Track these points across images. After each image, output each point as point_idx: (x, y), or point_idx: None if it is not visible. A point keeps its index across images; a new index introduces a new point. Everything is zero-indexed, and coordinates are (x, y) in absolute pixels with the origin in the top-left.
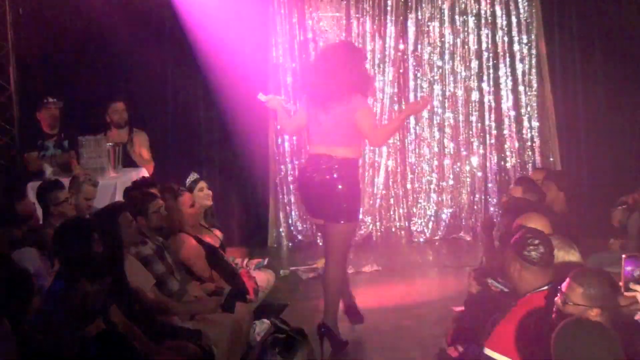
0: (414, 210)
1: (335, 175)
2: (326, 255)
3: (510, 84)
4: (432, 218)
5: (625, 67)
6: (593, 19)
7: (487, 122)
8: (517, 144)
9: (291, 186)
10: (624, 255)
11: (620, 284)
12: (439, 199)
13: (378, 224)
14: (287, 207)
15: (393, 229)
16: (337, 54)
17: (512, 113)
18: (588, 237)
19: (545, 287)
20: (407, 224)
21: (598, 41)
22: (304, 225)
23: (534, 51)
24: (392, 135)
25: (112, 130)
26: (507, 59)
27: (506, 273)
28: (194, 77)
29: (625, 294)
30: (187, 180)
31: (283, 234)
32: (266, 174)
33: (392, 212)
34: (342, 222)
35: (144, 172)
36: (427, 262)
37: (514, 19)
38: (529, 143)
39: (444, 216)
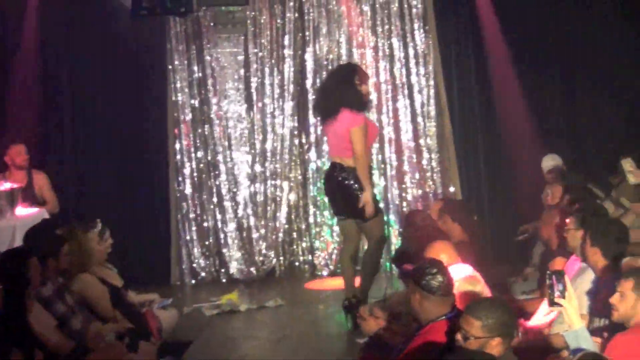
0: (317, 243)
1: (348, 182)
2: (368, 242)
3: (409, 115)
4: (335, 251)
5: (523, 95)
6: (489, 48)
7: (387, 154)
8: (417, 175)
9: (193, 223)
10: (548, 271)
11: (546, 299)
12: None
13: (282, 258)
14: (189, 244)
15: (296, 263)
16: (334, 75)
17: (412, 144)
18: (506, 264)
19: (445, 317)
20: (310, 258)
21: (495, 70)
22: (207, 262)
23: (432, 82)
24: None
25: (11, 171)
26: (406, 91)
27: (408, 303)
28: (90, 116)
29: (550, 308)
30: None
31: (186, 271)
32: (167, 211)
33: (295, 246)
34: (367, 220)
35: (45, 214)
36: (331, 296)
37: (411, 51)
38: (429, 173)
39: None
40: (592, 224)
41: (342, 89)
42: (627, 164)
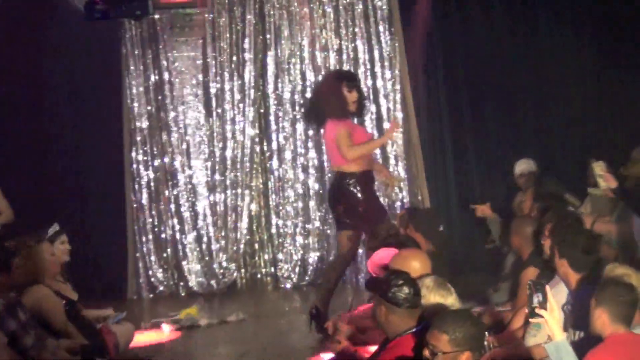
0: (280, 255)
1: (353, 189)
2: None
3: (375, 121)
4: (299, 262)
5: (493, 101)
6: (458, 51)
7: None
8: None
9: (150, 234)
10: (529, 282)
11: (525, 310)
12: (305, 242)
13: (243, 270)
14: (147, 257)
15: (259, 276)
16: (321, 84)
17: (378, 151)
18: (481, 274)
19: (413, 331)
20: (273, 270)
21: (463, 75)
22: (165, 275)
23: (398, 86)
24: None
25: None
26: (371, 96)
27: (374, 317)
28: (46, 126)
29: (531, 320)
30: (50, 230)
31: (143, 284)
32: (123, 222)
33: (257, 258)
34: (341, 230)
35: None
36: (295, 308)
37: (376, 54)
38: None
39: (311, 260)
40: (559, 234)
41: (327, 100)
42: (598, 168)
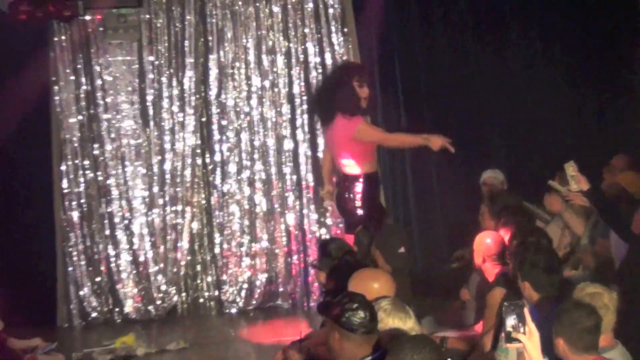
0: (225, 277)
1: (348, 194)
2: None
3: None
4: (245, 285)
5: (456, 110)
6: (418, 53)
7: (303, 174)
8: None
9: (82, 256)
10: (505, 304)
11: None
12: (252, 263)
13: (184, 294)
14: (78, 281)
15: (201, 300)
16: (330, 76)
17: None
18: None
19: (370, 358)
20: (217, 293)
21: (424, 80)
22: (99, 300)
23: None
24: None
25: None
26: None
27: (327, 344)
28: None
29: (507, 345)
30: None
31: (74, 311)
32: (52, 243)
33: (199, 281)
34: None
35: None
36: (241, 335)
37: (328, 57)
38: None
39: (258, 282)
40: (519, 253)
41: (337, 92)
42: (570, 168)
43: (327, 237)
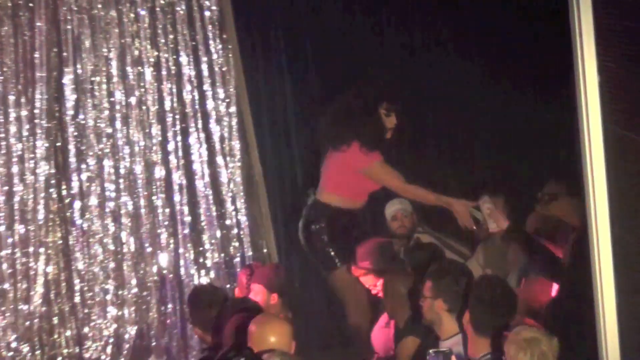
0: (86, 330)
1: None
2: None
3: (205, 153)
4: (112, 339)
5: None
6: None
7: (177, 207)
8: (219, 233)
9: None
10: (430, 351)
11: None
12: (119, 313)
13: (38, 352)
14: None
15: (59, 358)
16: (349, 98)
17: (210, 192)
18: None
19: None
20: (77, 350)
21: (319, 92)
22: None
23: (234, 109)
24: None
25: None
26: (200, 121)
27: None
28: None
29: None
30: None
31: None
32: None
33: (56, 336)
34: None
35: None
36: None
37: (205, 68)
38: (235, 231)
39: (127, 336)
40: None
41: (358, 119)
42: (485, 205)
43: (202, 282)
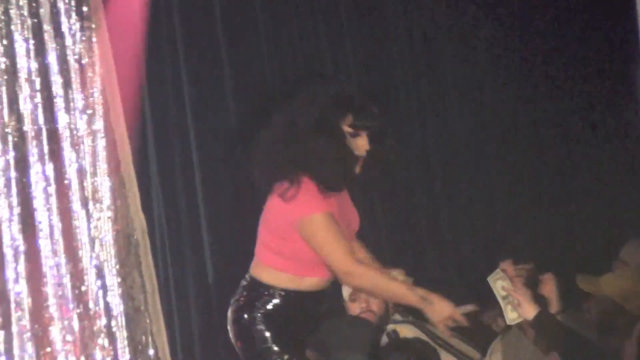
0: None
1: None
2: None
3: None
4: None
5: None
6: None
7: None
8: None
9: None
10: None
11: None
12: None
13: None
14: None
15: None
16: (297, 111)
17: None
18: None
19: None
20: None
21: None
22: None
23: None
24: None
25: None
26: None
27: None
28: None
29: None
30: None
31: None
32: None
33: None
34: None
35: None
36: None
37: (53, 58)
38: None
39: None
40: None
41: (309, 142)
42: (498, 284)
43: None
